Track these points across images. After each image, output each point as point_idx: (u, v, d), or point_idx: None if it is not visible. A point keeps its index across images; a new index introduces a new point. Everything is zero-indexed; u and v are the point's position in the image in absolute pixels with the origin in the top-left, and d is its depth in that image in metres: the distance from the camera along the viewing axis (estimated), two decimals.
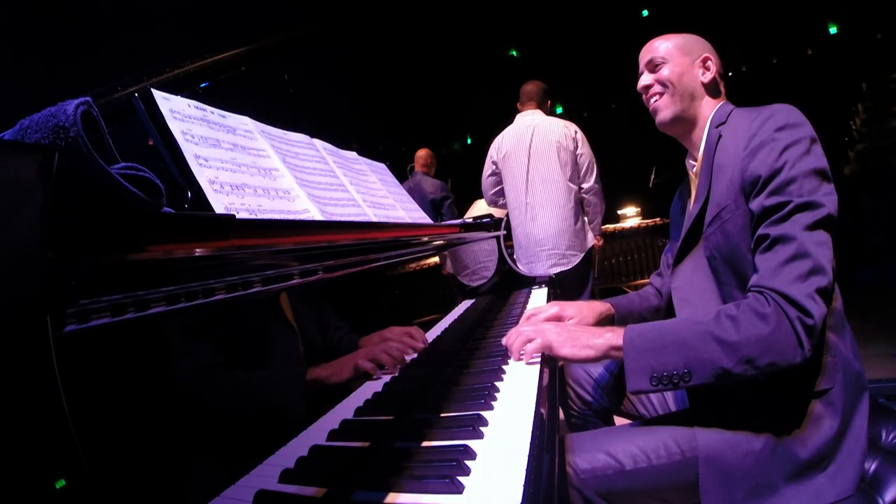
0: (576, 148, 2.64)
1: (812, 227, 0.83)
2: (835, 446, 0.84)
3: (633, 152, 6.78)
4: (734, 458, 0.84)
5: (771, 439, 0.84)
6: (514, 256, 2.72)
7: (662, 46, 1.13)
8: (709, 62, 1.11)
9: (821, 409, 0.85)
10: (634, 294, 1.38)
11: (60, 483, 0.32)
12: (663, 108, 1.11)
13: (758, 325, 0.80)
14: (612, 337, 0.91)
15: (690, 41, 1.13)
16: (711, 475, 0.84)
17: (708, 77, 1.10)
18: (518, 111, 2.82)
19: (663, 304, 1.30)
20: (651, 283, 1.40)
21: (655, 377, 0.84)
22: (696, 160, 1.12)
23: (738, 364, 0.80)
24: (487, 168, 2.85)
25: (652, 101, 1.13)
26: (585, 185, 2.67)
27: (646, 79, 1.14)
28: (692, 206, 1.08)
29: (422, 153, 4.00)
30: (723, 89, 1.13)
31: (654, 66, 1.13)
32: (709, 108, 1.10)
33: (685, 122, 1.11)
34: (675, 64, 1.10)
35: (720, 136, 1.02)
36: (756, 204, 0.89)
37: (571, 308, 1.22)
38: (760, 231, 0.88)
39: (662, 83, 1.11)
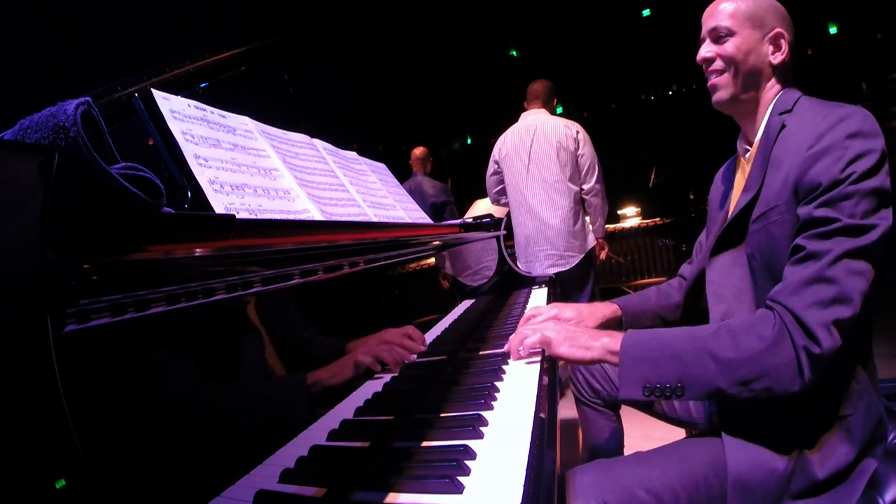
0: (577, 148, 2.63)
1: (853, 254, 0.77)
2: (845, 474, 0.83)
3: (633, 152, 6.79)
4: (759, 476, 0.83)
5: (794, 460, 0.83)
6: (515, 256, 2.73)
7: (729, 11, 0.97)
8: (781, 40, 0.97)
9: (840, 434, 0.83)
10: (652, 290, 1.31)
11: (60, 483, 0.32)
12: (722, 88, 1.00)
13: (757, 347, 0.76)
14: (610, 342, 0.89)
15: (764, 8, 0.97)
16: (736, 496, 0.82)
17: (778, 58, 0.97)
18: (524, 110, 2.82)
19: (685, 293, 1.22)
20: (680, 272, 1.31)
21: (648, 388, 0.82)
22: (750, 145, 1.02)
23: (732, 385, 0.77)
24: (490, 167, 2.86)
25: (711, 77, 1.01)
26: (586, 186, 2.66)
27: (707, 50, 1.01)
28: (741, 194, 0.99)
29: (418, 151, 3.97)
30: (790, 75, 1.00)
31: (717, 37, 0.99)
32: (773, 92, 0.99)
33: (744, 104, 1.00)
34: (742, 38, 0.96)
35: (783, 126, 0.92)
36: (804, 211, 0.82)
37: (570, 311, 1.20)
38: (798, 240, 0.82)
39: (725, 60, 0.98)
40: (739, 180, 1.06)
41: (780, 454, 0.83)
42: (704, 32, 1.02)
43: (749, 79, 0.98)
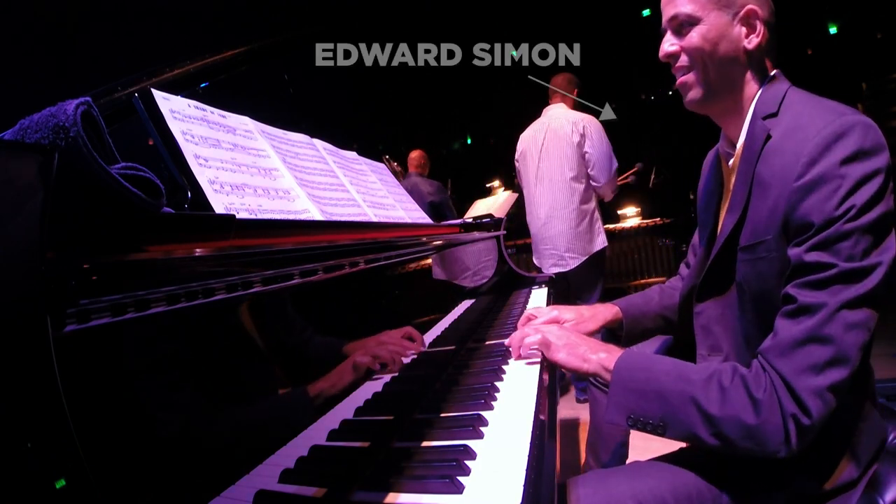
0: (581, 143, 2.55)
1: (852, 304, 0.68)
2: (847, 488, 0.82)
3: (634, 152, 6.79)
4: (758, 501, 0.81)
5: (795, 480, 0.81)
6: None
7: None
8: (755, 19, 0.82)
9: (844, 458, 0.81)
10: (655, 289, 1.27)
11: (60, 483, 0.32)
12: (692, 87, 0.87)
13: (745, 409, 0.71)
14: (607, 358, 0.86)
15: None
16: None
17: (754, 42, 0.83)
18: (538, 109, 2.82)
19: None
20: (679, 273, 1.27)
21: (632, 418, 0.80)
22: (733, 148, 0.91)
23: (712, 437, 0.73)
24: (516, 167, 2.91)
25: (678, 75, 0.88)
26: (594, 183, 2.61)
27: (669, 44, 0.88)
28: (726, 215, 0.89)
29: (415, 154, 4.03)
30: (770, 61, 0.86)
31: (678, 26, 0.86)
32: (754, 85, 0.85)
33: (721, 102, 0.88)
34: (707, 24, 0.82)
35: (768, 137, 0.80)
36: (794, 254, 0.72)
37: (570, 313, 1.18)
38: (789, 289, 0.73)
39: (690, 54, 0.85)
40: (725, 192, 0.97)
41: (781, 475, 0.81)
42: (664, 23, 0.88)
43: (722, 71, 0.84)
